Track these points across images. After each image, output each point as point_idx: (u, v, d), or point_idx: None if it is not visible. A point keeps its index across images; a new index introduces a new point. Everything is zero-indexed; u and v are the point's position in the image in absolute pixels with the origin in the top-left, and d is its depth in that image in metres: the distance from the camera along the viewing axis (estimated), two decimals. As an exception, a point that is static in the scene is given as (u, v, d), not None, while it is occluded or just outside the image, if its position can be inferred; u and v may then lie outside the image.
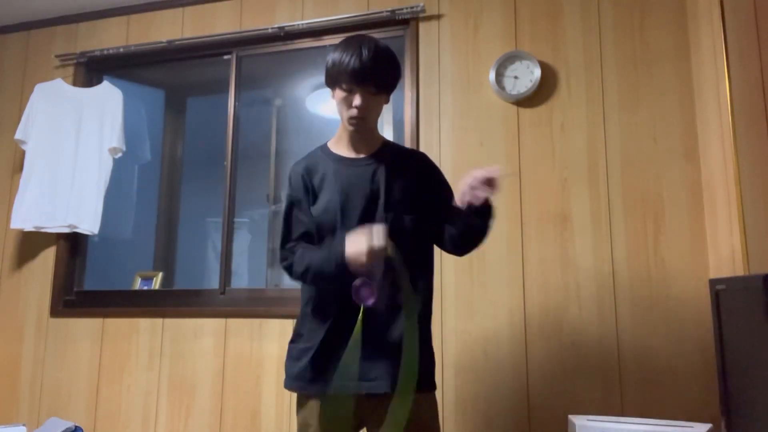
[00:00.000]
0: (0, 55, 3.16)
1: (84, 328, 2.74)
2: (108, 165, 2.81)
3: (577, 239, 2.21)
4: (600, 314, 2.14)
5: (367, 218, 1.46)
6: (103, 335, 2.71)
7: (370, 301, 1.35)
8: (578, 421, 1.84)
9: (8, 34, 3.16)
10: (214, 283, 2.85)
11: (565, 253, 2.21)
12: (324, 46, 2.73)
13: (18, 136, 2.86)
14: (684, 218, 2.12)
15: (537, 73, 2.30)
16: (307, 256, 1.45)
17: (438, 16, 2.52)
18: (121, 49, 2.92)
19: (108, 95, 2.88)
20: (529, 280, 2.23)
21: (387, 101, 1.53)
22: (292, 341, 1.54)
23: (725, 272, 1.91)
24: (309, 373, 1.45)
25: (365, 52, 1.40)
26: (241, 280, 2.96)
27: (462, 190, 1.37)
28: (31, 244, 2.91)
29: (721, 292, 1.69)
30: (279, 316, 2.47)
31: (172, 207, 3.16)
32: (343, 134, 1.55)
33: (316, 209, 1.50)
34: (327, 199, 1.49)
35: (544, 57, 2.34)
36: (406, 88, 2.50)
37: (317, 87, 3.02)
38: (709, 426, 1.75)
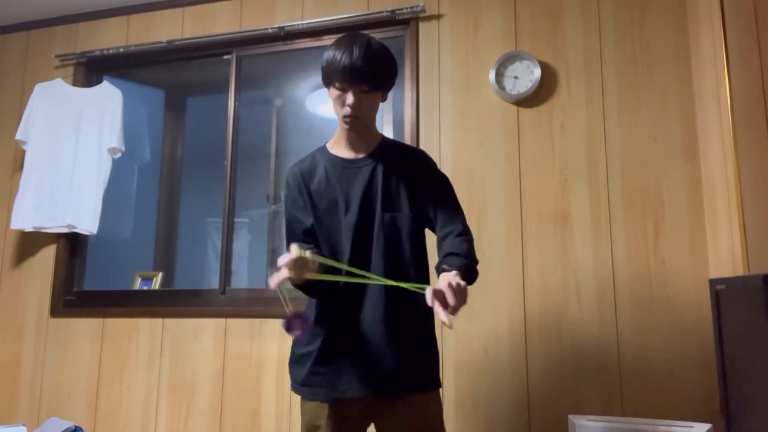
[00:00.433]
0: (0, 55, 3.16)
1: (84, 328, 2.74)
2: (107, 165, 2.81)
3: (577, 239, 2.21)
4: (600, 314, 2.14)
5: (365, 219, 1.46)
6: (103, 335, 2.71)
7: (297, 334, 1.34)
8: (578, 421, 1.84)
9: (8, 34, 3.16)
10: (214, 283, 2.85)
11: (565, 253, 2.21)
12: (324, 46, 2.73)
13: (18, 136, 2.86)
14: (684, 218, 2.12)
15: (537, 73, 2.30)
16: None
17: (438, 16, 2.52)
18: (121, 49, 2.92)
19: (108, 95, 2.88)
20: (529, 280, 2.23)
21: (384, 99, 1.52)
22: (293, 344, 1.54)
23: (725, 272, 1.91)
24: (314, 378, 1.45)
25: (356, 51, 1.39)
26: (241, 280, 2.96)
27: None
28: (31, 244, 2.91)
29: (721, 292, 1.69)
30: (279, 316, 2.47)
31: (172, 207, 3.16)
32: (341, 134, 1.55)
33: (316, 212, 1.50)
34: (326, 201, 1.49)
35: (544, 57, 2.34)
36: (406, 88, 2.50)
37: (317, 87, 3.02)
38: (709, 426, 1.75)
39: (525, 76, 2.33)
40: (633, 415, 2.04)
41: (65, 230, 2.76)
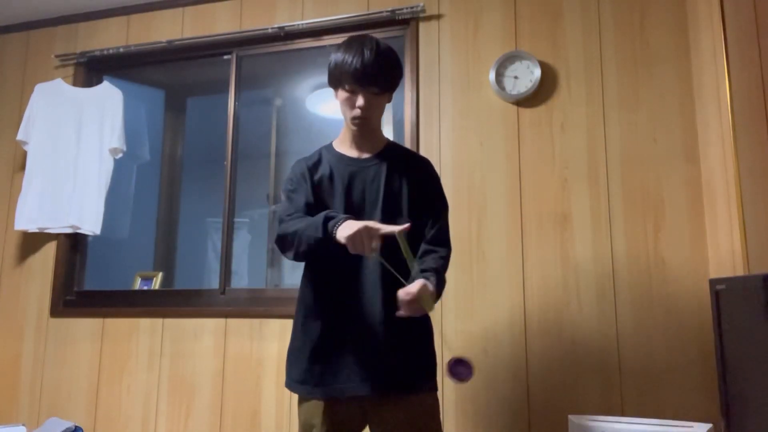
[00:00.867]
0: (0, 55, 3.16)
1: (84, 328, 2.74)
2: (109, 165, 2.81)
3: (577, 239, 2.21)
4: (600, 314, 2.15)
5: (365, 218, 1.46)
6: (103, 335, 2.71)
7: (468, 377, 1.37)
8: (578, 420, 1.84)
9: (8, 34, 3.16)
10: (214, 283, 2.85)
11: (565, 252, 2.21)
12: (324, 46, 2.73)
13: (19, 137, 2.87)
14: (684, 218, 2.12)
15: (537, 73, 2.30)
16: (301, 221, 1.42)
17: (438, 16, 2.52)
18: (121, 49, 2.92)
19: (108, 95, 2.88)
20: (529, 280, 2.23)
21: (389, 100, 1.54)
22: (290, 342, 1.54)
23: (725, 272, 1.91)
24: (309, 375, 1.45)
25: (367, 53, 1.40)
26: (241, 280, 2.96)
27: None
28: (31, 243, 2.91)
29: (721, 292, 1.69)
30: (279, 316, 2.47)
31: (172, 207, 3.16)
32: (347, 134, 1.55)
33: (317, 207, 1.50)
34: (327, 196, 1.50)
35: (544, 57, 2.34)
36: (406, 88, 2.50)
37: (317, 87, 3.02)
38: (709, 426, 1.75)
39: (525, 76, 2.33)
40: (633, 415, 2.05)
41: (69, 231, 2.76)
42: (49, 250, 2.88)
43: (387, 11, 2.53)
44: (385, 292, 1.43)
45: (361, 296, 1.44)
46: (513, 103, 2.36)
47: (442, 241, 1.51)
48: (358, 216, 1.46)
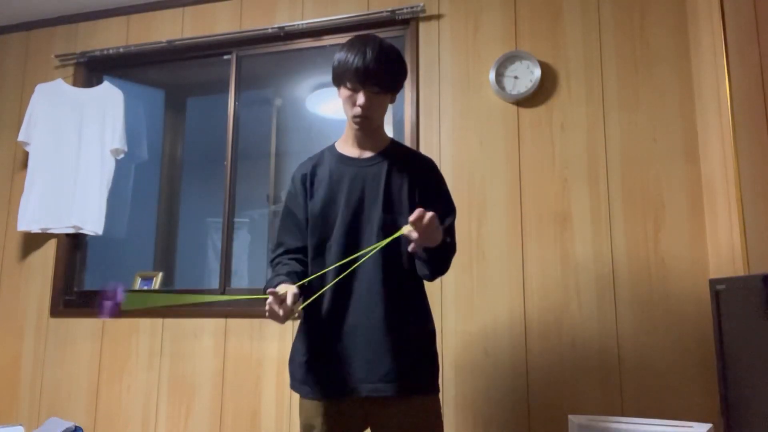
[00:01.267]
0: (0, 55, 3.16)
1: (84, 328, 2.74)
2: (110, 166, 2.81)
3: (577, 239, 2.21)
4: (600, 314, 2.15)
5: (364, 217, 1.46)
6: (103, 335, 2.71)
7: None
8: (578, 421, 1.84)
9: (8, 34, 3.16)
10: (214, 283, 2.85)
11: (565, 252, 2.21)
12: (324, 46, 2.73)
13: (21, 137, 2.87)
14: (684, 218, 2.12)
15: (537, 73, 2.30)
16: (273, 273, 1.50)
17: (438, 16, 2.52)
18: (121, 49, 2.92)
19: (109, 96, 2.88)
20: (529, 280, 2.23)
21: (393, 101, 1.54)
22: (293, 343, 1.54)
23: (725, 272, 1.91)
24: (311, 376, 1.45)
25: (369, 52, 1.40)
26: (241, 280, 2.96)
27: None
28: (31, 243, 2.91)
29: (721, 292, 1.69)
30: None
31: (172, 207, 3.16)
32: (350, 133, 1.55)
33: (316, 205, 1.51)
34: (327, 196, 1.50)
35: (544, 57, 2.34)
36: (406, 88, 2.50)
37: (317, 87, 3.02)
38: (709, 426, 1.75)
39: (525, 76, 2.33)
40: (633, 415, 2.05)
41: (71, 231, 2.77)
42: (49, 249, 2.88)
43: (387, 11, 2.53)
44: (386, 291, 1.42)
45: (361, 296, 1.44)
46: (513, 103, 2.36)
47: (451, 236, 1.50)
48: (358, 214, 1.46)
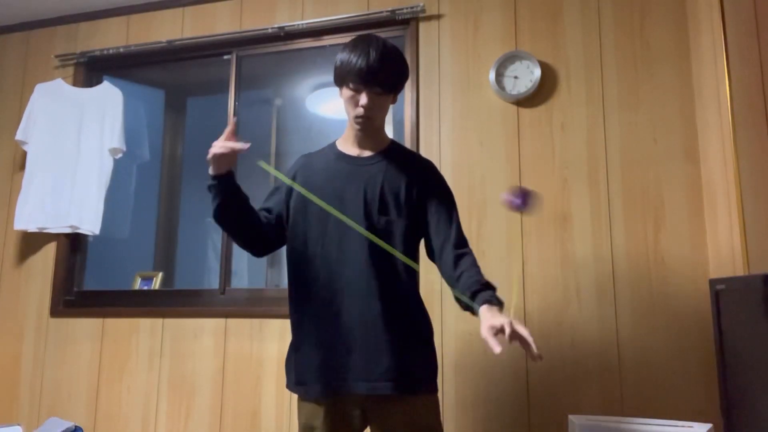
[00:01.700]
0: (0, 55, 3.16)
1: (84, 328, 2.74)
2: (109, 165, 2.81)
3: (577, 239, 2.21)
4: (600, 314, 2.14)
5: (360, 217, 1.45)
6: (103, 335, 2.71)
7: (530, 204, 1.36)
8: (578, 421, 1.84)
9: (8, 34, 3.16)
10: (214, 283, 2.85)
11: (565, 252, 2.21)
12: (324, 46, 2.73)
13: (19, 136, 2.86)
14: (684, 218, 2.12)
15: (537, 73, 2.30)
16: None
17: (438, 16, 2.52)
18: (121, 49, 2.92)
19: (108, 95, 2.88)
20: (529, 280, 2.23)
21: (394, 101, 1.54)
22: (291, 343, 1.54)
23: (725, 272, 1.91)
24: (307, 376, 1.45)
25: (373, 53, 1.40)
26: (241, 280, 2.96)
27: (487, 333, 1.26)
28: (31, 244, 2.91)
29: (721, 292, 1.69)
30: (279, 316, 2.47)
31: (172, 207, 3.16)
32: (350, 133, 1.55)
33: (305, 204, 1.50)
34: (320, 193, 1.49)
35: (544, 57, 2.34)
36: (406, 88, 2.50)
37: (317, 87, 3.02)
38: (709, 426, 1.75)
39: (525, 76, 2.33)
40: (633, 415, 2.04)
41: (68, 231, 2.76)
42: (49, 250, 2.87)
43: (387, 11, 2.53)
44: (381, 288, 1.42)
45: (356, 294, 1.43)
46: (513, 103, 2.36)
47: (465, 240, 1.50)
48: (354, 213, 1.45)
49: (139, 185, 3.19)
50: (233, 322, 2.54)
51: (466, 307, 1.39)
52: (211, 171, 1.45)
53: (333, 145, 1.60)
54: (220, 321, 2.56)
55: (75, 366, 2.72)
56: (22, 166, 2.92)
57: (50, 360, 2.76)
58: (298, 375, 1.47)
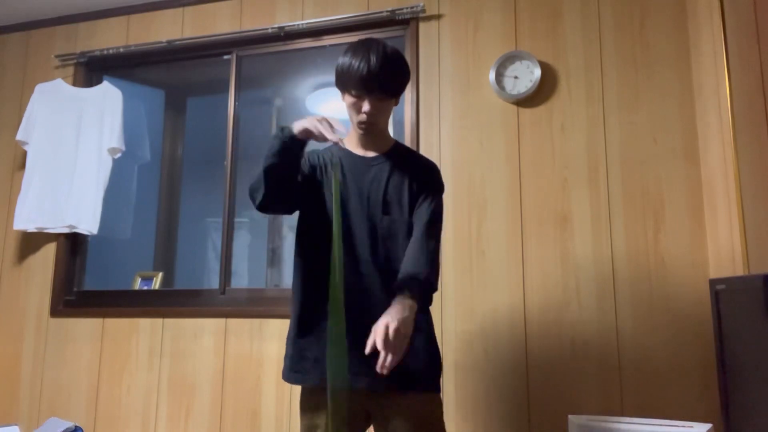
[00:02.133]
0: (0, 55, 3.16)
1: (84, 328, 2.74)
2: (107, 165, 2.81)
3: (577, 239, 2.21)
4: (600, 314, 2.15)
5: (363, 217, 1.46)
6: (103, 335, 2.71)
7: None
8: (578, 421, 1.84)
9: (8, 34, 3.16)
10: (214, 283, 2.85)
11: (565, 253, 2.21)
12: (324, 46, 2.73)
13: (19, 137, 2.87)
14: (684, 218, 2.12)
15: (537, 73, 2.30)
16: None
17: (438, 16, 2.52)
18: (121, 49, 2.92)
19: (108, 95, 2.88)
20: (529, 280, 2.23)
21: (396, 103, 1.54)
22: (288, 335, 1.55)
23: (725, 272, 1.91)
24: (307, 364, 1.45)
25: (374, 59, 1.40)
26: (241, 280, 2.96)
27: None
28: (31, 244, 2.91)
29: (721, 292, 1.69)
30: (279, 316, 2.47)
31: (172, 207, 3.16)
32: (354, 134, 1.56)
33: (315, 201, 1.50)
34: (326, 191, 1.49)
35: (544, 57, 2.34)
36: (406, 88, 2.49)
37: (317, 87, 3.02)
38: (709, 426, 1.75)
39: (525, 76, 2.33)
40: (633, 415, 2.05)
41: (66, 230, 2.76)
42: (49, 250, 2.88)
43: (387, 11, 2.53)
44: (385, 286, 1.42)
45: (362, 291, 1.43)
46: (513, 103, 2.36)
47: (429, 239, 1.46)
48: (357, 213, 1.46)
49: (139, 185, 3.19)
50: (233, 322, 2.54)
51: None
52: (295, 130, 1.37)
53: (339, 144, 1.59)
54: (220, 321, 2.56)
55: (75, 366, 2.72)
56: (22, 166, 2.92)
57: (50, 360, 2.76)
58: (290, 364, 1.47)
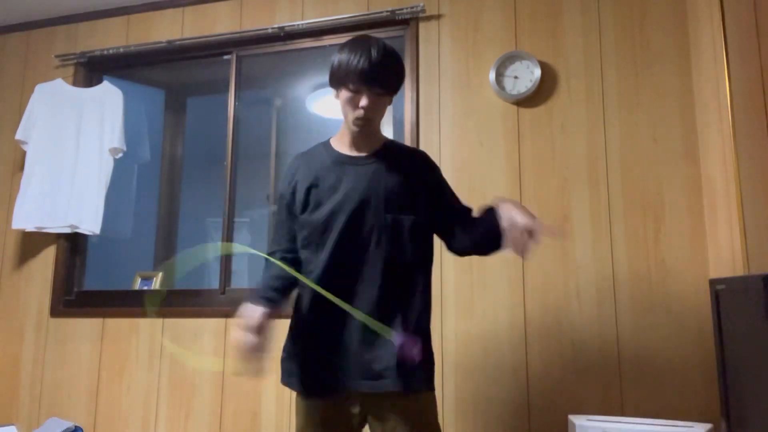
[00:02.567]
0: (0, 55, 3.16)
1: (84, 328, 2.74)
2: (109, 165, 2.81)
3: (577, 239, 2.21)
4: (600, 314, 2.14)
5: (360, 217, 1.45)
6: (103, 335, 2.71)
7: (415, 354, 1.39)
8: (578, 421, 1.84)
9: (8, 34, 3.16)
10: (214, 283, 2.85)
11: (565, 253, 2.21)
12: (324, 46, 2.73)
13: (18, 136, 2.86)
14: (684, 218, 2.12)
15: (537, 73, 2.30)
16: (263, 275, 1.62)
17: (438, 16, 2.52)
18: (121, 49, 2.92)
19: (108, 95, 2.88)
20: (529, 280, 2.23)
21: (390, 102, 1.54)
22: (286, 339, 1.57)
23: (725, 272, 1.91)
24: (304, 373, 1.46)
25: (375, 53, 1.40)
26: (241, 280, 2.96)
27: (507, 236, 1.29)
28: (31, 244, 2.91)
29: (721, 292, 1.69)
30: (279, 316, 2.46)
31: (172, 207, 3.16)
32: (346, 133, 1.54)
33: (305, 206, 1.50)
34: (323, 197, 1.48)
35: (544, 57, 2.34)
36: (406, 88, 2.50)
37: (317, 87, 3.02)
38: (709, 426, 1.75)
39: (525, 76, 2.33)
40: (633, 415, 2.05)
41: (67, 230, 2.76)
42: (49, 250, 2.88)
43: (387, 11, 2.53)
44: (383, 287, 1.42)
45: (358, 293, 1.43)
46: (513, 103, 2.36)
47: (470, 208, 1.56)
48: (357, 214, 1.45)
49: (139, 185, 3.19)
50: (233, 322, 2.54)
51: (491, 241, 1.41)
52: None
53: (328, 145, 1.58)
54: (220, 321, 2.56)
55: (75, 366, 2.72)
56: (23, 166, 2.91)
57: (50, 360, 2.76)
58: (293, 369, 1.48)
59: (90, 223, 2.74)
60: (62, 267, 2.85)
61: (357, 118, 1.45)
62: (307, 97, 3.08)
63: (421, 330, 1.49)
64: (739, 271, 1.77)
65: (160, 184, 3.15)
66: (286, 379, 1.51)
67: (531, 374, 2.17)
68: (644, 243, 2.15)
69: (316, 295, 1.45)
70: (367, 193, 1.47)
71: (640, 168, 2.19)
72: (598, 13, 2.33)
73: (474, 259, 2.29)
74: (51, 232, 2.81)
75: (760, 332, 1.43)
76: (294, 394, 1.53)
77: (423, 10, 2.52)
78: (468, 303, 2.28)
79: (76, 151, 2.82)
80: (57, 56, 3.01)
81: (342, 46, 1.47)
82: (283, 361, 1.53)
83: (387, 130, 2.62)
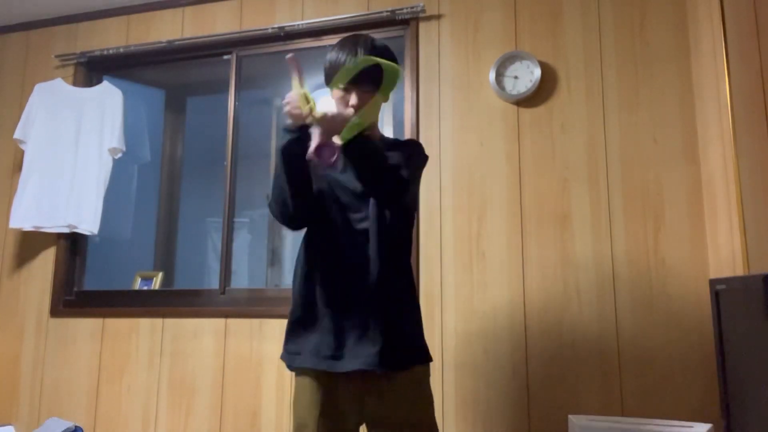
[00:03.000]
0: (0, 55, 3.16)
1: (84, 328, 2.74)
2: (108, 165, 2.81)
3: (577, 239, 2.21)
4: (600, 314, 2.15)
5: (358, 213, 1.46)
6: (103, 335, 2.71)
7: (332, 160, 1.33)
8: (578, 421, 1.84)
9: (8, 34, 3.16)
10: (214, 283, 2.85)
11: (565, 253, 2.21)
12: (324, 46, 2.73)
13: (17, 135, 2.86)
14: (684, 218, 2.12)
15: (537, 73, 2.30)
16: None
17: (438, 16, 2.52)
18: (121, 49, 2.92)
19: (108, 95, 2.88)
20: (529, 280, 2.23)
21: (385, 100, 1.53)
22: (288, 318, 1.55)
23: (725, 272, 1.91)
24: (295, 345, 1.46)
25: (361, 51, 1.40)
26: (241, 280, 2.96)
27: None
28: (31, 244, 2.91)
29: (721, 292, 1.69)
30: (279, 316, 2.47)
31: (172, 207, 3.16)
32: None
33: (328, 192, 1.51)
34: (317, 191, 1.49)
35: (544, 57, 2.34)
36: (406, 88, 2.50)
37: (317, 87, 3.00)
38: (709, 426, 1.75)
39: (525, 76, 2.33)
40: (633, 415, 2.05)
41: (66, 230, 2.76)
42: (49, 250, 2.87)
43: (387, 11, 2.53)
44: (381, 269, 1.42)
45: (354, 273, 1.43)
46: (513, 103, 2.36)
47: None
48: (352, 210, 1.46)
49: (139, 185, 3.20)
50: (233, 322, 2.54)
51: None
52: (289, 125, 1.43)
53: None
54: (220, 321, 2.56)
55: (75, 366, 2.72)
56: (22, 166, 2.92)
57: (50, 360, 2.76)
58: (286, 345, 1.48)
59: (88, 223, 2.74)
60: (62, 267, 2.85)
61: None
62: (307, 97, 3.08)
63: (414, 302, 1.51)
64: (739, 271, 1.77)
65: (160, 184, 3.15)
66: (284, 355, 1.51)
67: (531, 374, 2.17)
68: (644, 243, 2.15)
69: (315, 275, 1.46)
70: (362, 191, 1.47)
71: (640, 168, 2.19)
72: (598, 13, 2.33)
73: (474, 259, 2.29)
74: (51, 232, 2.81)
75: (760, 332, 1.43)
76: (294, 383, 1.52)
77: (423, 10, 2.52)
78: (468, 303, 2.28)
79: (76, 151, 2.82)
80: (57, 56, 3.01)
81: (333, 45, 1.48)
82: (285, 339, 1.53)
83: (387, 131, 2.62)
